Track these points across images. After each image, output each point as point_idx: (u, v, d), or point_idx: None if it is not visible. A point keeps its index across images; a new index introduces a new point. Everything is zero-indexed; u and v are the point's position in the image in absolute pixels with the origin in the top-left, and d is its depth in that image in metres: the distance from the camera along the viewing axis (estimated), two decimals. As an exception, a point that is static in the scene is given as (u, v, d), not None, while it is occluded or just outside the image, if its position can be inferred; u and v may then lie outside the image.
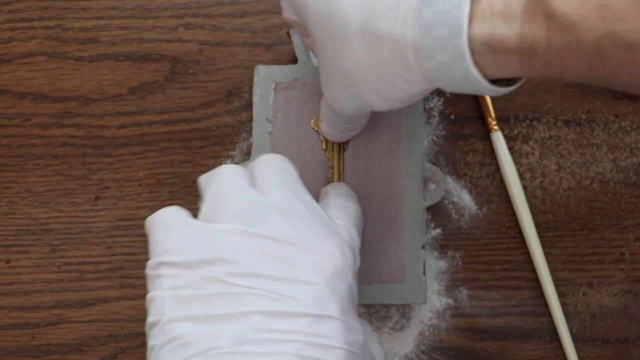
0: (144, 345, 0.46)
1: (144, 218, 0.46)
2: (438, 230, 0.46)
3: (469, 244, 0.46)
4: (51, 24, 0.47)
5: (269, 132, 0.43)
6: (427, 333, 0.46)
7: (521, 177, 0.46)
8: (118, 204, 0.47)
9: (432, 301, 0.46)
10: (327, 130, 0.40)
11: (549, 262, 0.46)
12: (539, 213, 0.46)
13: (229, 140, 0.47)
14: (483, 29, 0.27)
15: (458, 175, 0.47)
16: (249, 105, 0.46)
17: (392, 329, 0.46)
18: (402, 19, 0.28)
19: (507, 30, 0.27)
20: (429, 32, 0.28)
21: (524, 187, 0.46)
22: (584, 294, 0.46)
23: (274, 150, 0.43)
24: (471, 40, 0.27)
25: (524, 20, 0.26)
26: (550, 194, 0.47)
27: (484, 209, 0.47)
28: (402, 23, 0.28)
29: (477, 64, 0.28)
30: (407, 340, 0.46)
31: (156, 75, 0.47)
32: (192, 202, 0.46)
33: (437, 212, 0.46)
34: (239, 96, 0.47)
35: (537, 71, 0.27)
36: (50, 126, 0.47)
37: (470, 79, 0.28)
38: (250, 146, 0.46)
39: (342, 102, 0.35)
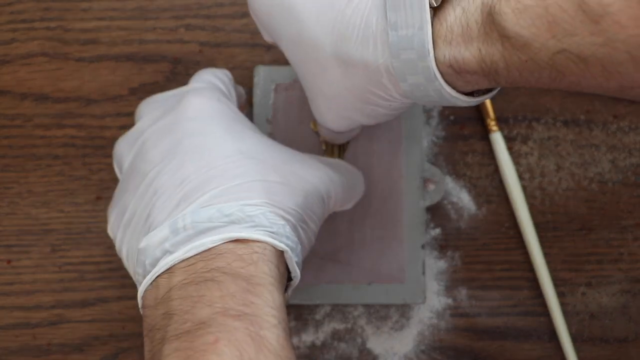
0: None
1: (145, 218, 0.46)
2: (437, 231, 0.46)
3: (468, 244, 0.46)
4: (52, 25, 0.48)
5: (269, 133, 0.44)
6: (426, 333, 0.46)
7: (520, 177, 0.46)
8: (119, 204, 0.47)
9: (432, 301, 0.46)
10: (327, 132, 0.40)
11: (548, 262, 0.46)
12: (538, 213, 0.46)
13: (229, 141, 0.47)
14: (446, 52, 0.28)
15: (457, 175, 0.47)
16: (249, 105, 0.46)
17: (391, 328, 0.46)
18: (372, 43, 0.29)
19: (467, 52, 0.27)
20: (398, 56, 0.28)
21: (523, 188, 0.46)
22: (583, 293, 0.46)
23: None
24: (437, 63, 0.28)
25: (482, 42, 0.27)
26: (549, 194, 0.47)
27: (483, 209, 0.47)
28: (373, 47, 0.29)
29: (448, 82, 0.28)
30: (406, 340, 0.46)
31: (157, 76, 0.47)
32: (192, 202, 0.47)
33: (436, 212, 0.47)
34: (239, 97, 0.47)
35: (505, 85, 0.28)
36: (51, 127, 0.47)
37: (445, 96, 0.29)
38: (250, 147, 0.46)
39: (331, 121, 0.35)
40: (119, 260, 0.46)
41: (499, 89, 0.31)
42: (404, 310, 0.46)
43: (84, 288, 0.46)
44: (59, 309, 0.46)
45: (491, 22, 0.26)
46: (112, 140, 0.47)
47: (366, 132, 0.43)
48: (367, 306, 0.46)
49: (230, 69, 0.47)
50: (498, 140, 0.46)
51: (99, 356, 0.46)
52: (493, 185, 0.47)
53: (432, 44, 0.27)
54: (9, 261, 0.46)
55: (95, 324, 0.46)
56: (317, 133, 0.43)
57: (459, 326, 0.46)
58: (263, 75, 0.44)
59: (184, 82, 0.47)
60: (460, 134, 0.47)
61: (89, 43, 0.47)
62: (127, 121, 0.47)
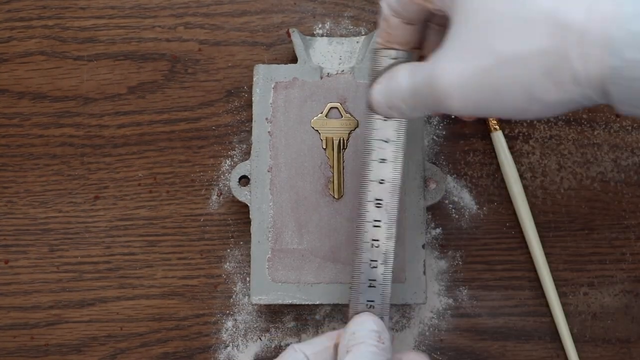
0: (143, 345, 0.46)
1: (143, 218, 0.46)
2: (438, 230, 0.46)
3: (469, 243, 0.46)
4: (50, 23, 0.47)
5: (269, 132, 0.43)
6: (427, 333, 0.46)
7: (522, 176, 0.46)
8: (117, 203, 0.46)
9: (433, 301, 0.46)
10: (380, 98, 0.34)
11: (549, 262, 0.45)
12: (540, 213, 0.46)
13: (228, 140, 0.47)
14: None
15: (458, 174, 0.47)
16: (248, 105, 0.46)
17: (392, 329, 0.46)
18: (600, 12, 0.25)
19: None
20: (628, 26, 0.24)
21: (525, 187, 0.46)
22: (585, 294, 0.46)
23: (274, 149, 0.43)
24: None
25: None
26: (551, 194, 0.46)
27: (484, 208, 0.46)
28: (600, 15, 0.25)
29: None
30: (407, 340, 0.46)
31: (155, 75, 0.47)
32: (191, 202, 0.46)
33: (437, 211, 0.46)
34: (239, 96, 0.47)
35: None
36: (49, 126, 0.47)
37: None
38: (250, 146, 0.45)
39: (466, 90, 0.29)
40: (118, 260, 0.46)
41: None
42: (405, 311, 0.46)
43: (82, 288, 0.46)
44: (57, 309, 0.46)
45: None
46: (110, 140, 0.47)
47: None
48: (367, 306, 0.45)
49: (230, 68, 0.47)
50: (499, 139, 0.46)
51: (97, 357, 0.46)
52: (494, 185, 0.46)
53: None
54: (6, 261, 0.46)
55: (94, 325, 0.46)
56: (317, 131, 0.43)
57: (460, 326, 0.46)
58: (262, 73, 0.44)
59: (183, 81, 0.47)
60: (462, 133, 0.47)
61: (87, 41, 0.47)
62: (125, 120, 0.47)
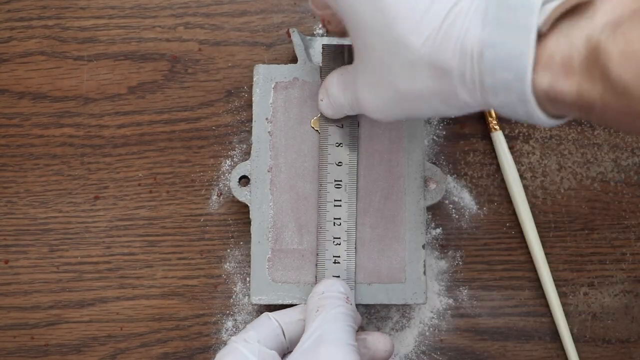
0: (143, 345, 0.46)
1: (143, 218, 0.46)
2: (438, 230, 0.46)
3: (469, 243, 0.46)
4: (50, 23, 0.47)
5: (269, 132, 0.43)
6: (427, 333, 0.46)
7: (522, 176, 0.46)
8: (117, 203, 0.46)
9: (433, 301, 0.46)
10: (329, 112, 0.40)
11: (549, 262, 0.45)
12: (540, 213, 0.46)
13: (228, 140, 0.47)
14: (544, 79, 0.26)
15: (458, 175, 0.47)
16: (248, 105, 0.46)
17: (392, 329, 0.45)
18: (469, 56, 0.28)
19: (566, 84, 0.26)
20: (493, 74, 0.27)
21: (525, 187, 0.46)
22: (585, 294, 0.46)
23: (274, 149, 0.43)
24: (534, 88, 0.27)
25: (582, 77, 0.25)
26: (551, 194, 0.46)
27: (484, 208, 0.46)
28: (470, 61, 0.28)
29: (539, 105, 0.27)
30: (407, 341, 0.46)
31: (155, 75, 0.47)
32: (191, 202, 0.46)
33: (437, 211, 0.46)
34: (239, 96, 0.47)
35: (595, 122, 0.27)
36: (49, 126, 0.47)
37: (534, 117, 0.28)
38: (250, 146, 0.45)
39: (385, 112, 0.34)
40: (118, 261, 0.46)
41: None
42: (405, 311, 0.46)
43: (82, 288, 0.46)
44: (57, 310, 0.46)
45: (595, 60, 0.24)
46: (111, 140, 0.47)
47: (366, 131, 0.43)
48: (367, 306, 0.45)
49: (230, 68, 0.47)
50: (499, 139, 0.46)
51: (97, 357, 0.46)
52: (494, 185, 0.46)
53: (531, 70, 0.26)
54: (6, 261, 0.46)
55: (94, 325, 0.46)
56: (317, 131, 0.43)
57: (460, 326, 0.46)
58: (262, 73, 0.44)
59: (183, 81, 0.47)
60: (462, 133, 0.47)
61: (87, 41, 0.47)
62: (125, 120, 0.47)
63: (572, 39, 0.26)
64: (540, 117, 0.28)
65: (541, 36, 0.26)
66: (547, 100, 0.27)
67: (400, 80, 0.31)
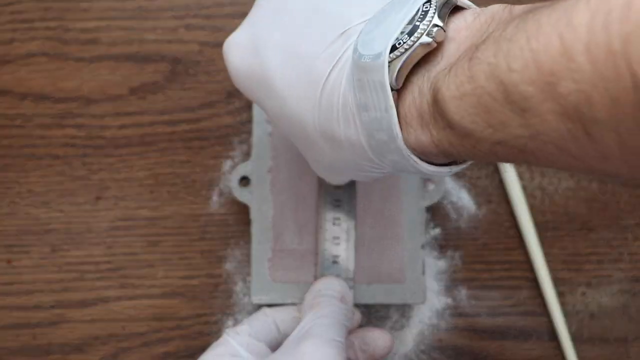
0: (144, 344, 0.46)
1: (145, 218, 0.47)
2: (437, 230, 0.46)
3: (468, 243, 0.46)
4: (52, 24, 0.48)
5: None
6: (426, 332, 0.46)
7: (520, 177, 0.46)
8: (118, 204, 0.47)
9: (432, 301, 0.46)
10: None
11: (547, 262, 0.46)
12: (538, 213, 0.46)
13: (229, 141, 0.47)
14: (410, 134, 0.26)
15: (457, 175, 0.47)
16: (249, 106, 0.47)
17: (391, 328, 0.46)
18: (352, 121, 0.28)
19: (423, 136, 0.26)
20: (372, 136, 0.27)
21: (523, 187, 0.46)
22: (583, 293, 0.46)
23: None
24: (406, 143, 0.26)
25: (433, 127, 0.25)
26: (549, 194, 0.47)
27: (483, 208, 0.47)
28: (353, 126, 0.28)
29: (422, 160, 0.27)
30: (406, 340, 0.46)
31: (157, 76, 0.47)
32: (192, 202, 0.47)
33: (436, 212, 0.47)
34: (239, 97, 0.47)
35: (471, 160, 0.27)
36: (52, 127, 0.47)
37: (424, 172, 0.28)
38: (250, 146, 0.46)
39: (331, 179, 0.36)
40: (119, 260, 0.46)
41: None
42: (404, 310, 0.46)
43: (83, 288, 0.46)
44: (59, 309, 0.46)
45: (437, 107, 0.24)
46: (112, 140, 0.47)
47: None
48: (367, 306, 0.46)
49: (230, 69, 0.47)
50: (498, 140, 0.46)
51: (98, 356, 0.46)
52: (493, 185, 0.47)
53: (399, 127, 0.26)
54: (9, 261, 0.46)
55: (95, 324, 0.46)
56: None
57: (458, 326, 0.46)
58: (263, 75, 0.44)
59: (184, 82, 0.47)
60: (460, 134, 0.47)
61: (89, 43, 0.47)
62: (126, 120, 0.47)
63: (423, 89, 0.25)
64: (429, 169, 0.27)
65: (400, 92, 0.26)
66: (422, 154, 0.27)
67: (311, 153, 0.32)
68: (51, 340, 0.46)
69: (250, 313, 0.46)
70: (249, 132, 0.47)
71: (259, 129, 0.43)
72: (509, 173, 0.46)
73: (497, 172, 0.47)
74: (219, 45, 0.48)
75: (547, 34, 0.20)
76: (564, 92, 0.19)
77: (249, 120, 0.47)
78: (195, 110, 0.47)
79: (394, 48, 0.25)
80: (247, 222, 0.45)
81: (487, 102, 0.22)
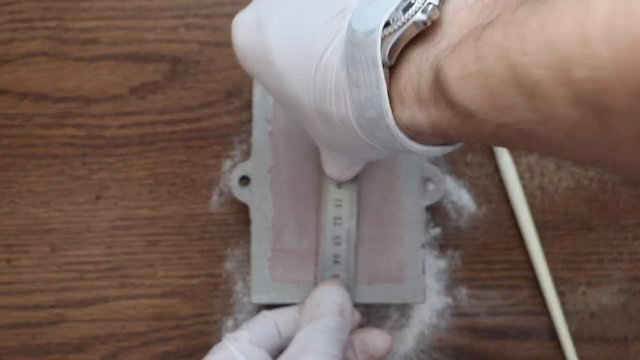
0: (144, 344, 0.46)
1: (144, 218, 0.47)
2: (437, 230, 0.46)
3: (468, 243, 0.46)
4: (52, 24, 0.48)
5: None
6: (426, 332, 0.46)
7: (520, 176, 0.46)
8: (118, 203, 0.47)
9: (432, 300, 0.46)
10: (333, 170, 0.40)
11: (548, 262, 0.46)
12: (538, 212, 0.46)
13: (229, 140, 0.47)
14: (404, 113, 0.26)
15: (457, 175, 0.47)
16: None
17: (391, 328, 0.46)
18: (343, 100, 0.28)
19: (420, 115, 0.25)
20: (362, 114, 0.27)
21: (523, 187, 0.46)
22: (583, 293, 0.46)
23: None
24: (397, 122, 0.26)
25: (432, 107, 0.25)
26: (549, 194, 0.47)
27: (483, 208, 0.47)
28: (344, 105, 0.28)
29: (412, 137, 0.27)
30: (406, 340, 0.46)
31: (156, 76, 0.47)
32: (191, 202, 0.47)
33: (436, 211, 0.47)
34: (239, 96, 0.47)
35: (466, 143, 0.27)
36: (51, 126, 0.47)
37: (414, 150, 0.27)
38: (250, 146, 0.46)
39: (335, 165, 0.37)
40: (119, 260, 0.46)
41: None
42: (404, 310, 0.46)
43: (83, 288, 0.46)
44: (59, 309, 0.46)
45: (439, 86, 0.24)
46: (112, 140, 0.47)
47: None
48: (367, 306, 0.46)
49: (230, 69, 0.47)
50: (498, 139, 0.46)
51: (98, 356, 0.46)
52: (493, 185, 0.47)
53: (389, 105, 0.26)
54: (8, 260, 0.46)
55: (95, 324, 0.46)
56: None
57: (458, 325, 0.46)
58: (263, 74, 0.44)
59: (184, 82, 0.47)
60: (460, 134, 0.47)
61: (88, 43, 0.47)
62: (126, 120, 0.47)
63: (421, 68, 0.25)
64: (419, 149, 0.27)
65: (394, 68, 0.26)
66: (415, 134, 0.26)
67: (311, 130, 0.32)
68: (51, 340, 0.46)
69: (250, 313, 0.46)
70: (249, 132, 0.47)
71: (259, 129, 0.43)
72: (509, 172, 0.46)
73: (497, 172, 0.47)
74: (219, 44, 0.48)
75: (562, 17, 0.19)
76: (579, 79, 0.19)
77: (249, 120, 0.47)
78: (195, 109, 0.47)
79: (387, 25, 0.25)
80: (247, 222, 0.45)
81: (494, 84, 0.21)
